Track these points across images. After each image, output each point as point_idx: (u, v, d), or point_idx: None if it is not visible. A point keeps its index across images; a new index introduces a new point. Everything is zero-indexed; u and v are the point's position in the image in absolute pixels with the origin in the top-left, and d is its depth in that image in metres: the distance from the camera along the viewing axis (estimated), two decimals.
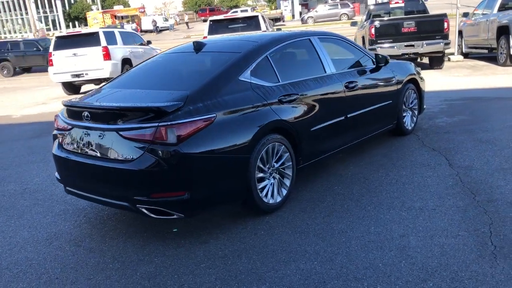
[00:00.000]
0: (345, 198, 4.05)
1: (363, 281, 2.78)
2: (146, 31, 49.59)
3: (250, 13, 13.38)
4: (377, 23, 11.47)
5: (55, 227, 3.94)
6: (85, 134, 3.56)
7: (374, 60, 5.28)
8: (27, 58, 23.04)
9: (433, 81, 10.27)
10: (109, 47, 13.23)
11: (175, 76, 4.12)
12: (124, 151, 3.28)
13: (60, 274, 3.14)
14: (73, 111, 3.66)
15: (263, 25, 12.60)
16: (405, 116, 5.83)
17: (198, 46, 4.26)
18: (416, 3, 13.31)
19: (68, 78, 13.27)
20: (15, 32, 66.24)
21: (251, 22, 12.69)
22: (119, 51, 13.59)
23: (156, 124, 3.17)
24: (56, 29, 59.26)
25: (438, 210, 3.67)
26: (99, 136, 3.44)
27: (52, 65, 13.40)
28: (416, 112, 6.05)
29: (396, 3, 13.15)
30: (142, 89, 3.79)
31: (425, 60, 13.29)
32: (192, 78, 3.83)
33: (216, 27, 12.86)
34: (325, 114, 4.38)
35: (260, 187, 3.71)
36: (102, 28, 14.91)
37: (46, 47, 20.40)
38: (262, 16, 13.02)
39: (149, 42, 16.33)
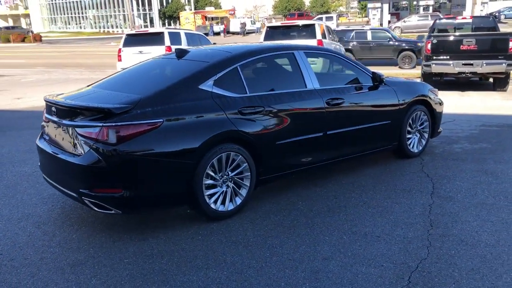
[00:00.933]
0: (300, 215, 4.05)
1: None
2: (233, 33, 51.02)
3: (307, 22, 13.38)
4: (433, 39, 10.97)
5: (32, 209, 4.34)
6: (55, 127, 3.90)
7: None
8: None
9: (483, 103, 9.65)
10: (172, 47, 13.80)
11: (144, 80, 4.34)
12: (78, 146, 3.57)
13: (6, 250, 3.49)
14: (48, 106, 4.02)
15: (318, 34, 12.56)
16: (410, 138, 5.60)
17: (179, 54, 4.46)
18: (486, 20, 12.53)
19: None
20: (117, 27, 71.20)
21: (307, 30, 12.71)
22: None
23: (101, 124, 3.42)
24: (153, 26, 62.81)
25: (382, 238, 3.56)
26: (63, 130, 3.76)
27: (120, 60, 14.09)
28: (426, 135, 5.78)
29: (463, 18, 12.45)
30: (111, 91, 4.06)
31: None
32: (154, 84, 4.03)
33: (272, 33, 13.04)
34: (298, 129, 4.37)
35: (208, 193, 3.82)
36: (169, 28, 15.64)
37: None
38: (326, 26, 12.98)
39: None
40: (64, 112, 3.73)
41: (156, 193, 3.61)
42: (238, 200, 4.05)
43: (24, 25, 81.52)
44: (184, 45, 14.51)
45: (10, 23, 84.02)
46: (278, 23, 13.52)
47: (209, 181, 3.83)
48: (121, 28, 67.84)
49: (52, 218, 4.12)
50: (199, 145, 3.68)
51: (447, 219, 3.89)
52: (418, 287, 2.88)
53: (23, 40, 52.51)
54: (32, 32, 61.18)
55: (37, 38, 53.18)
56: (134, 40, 14.48)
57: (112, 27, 71.32)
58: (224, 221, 3.94)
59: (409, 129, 5.54)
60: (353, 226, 3.79)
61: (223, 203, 3.95)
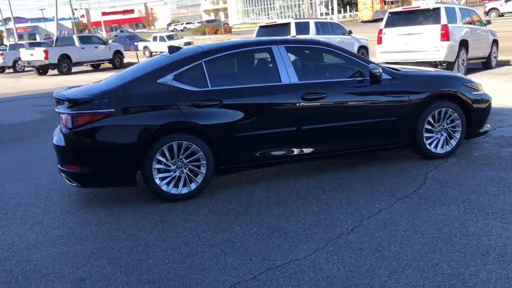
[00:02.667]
0: (257, 207, 4.24)
1: (130, 274, 3.21)
2: None
3: (431, 5, 12.26)
4: None
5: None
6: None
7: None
8: None
9: None
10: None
11: (126, 75, 4.90)
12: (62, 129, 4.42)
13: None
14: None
15: (444, 18, 11.49)
16: (432, 137, 5.11)
17: (171, 51, 4.97)
18: None
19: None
20: (300, 16, 73.70)
21: (431, 15, 11.74)
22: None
23: (66, 112, 4.20)
24: (332, 14, 63.19)
25: (301, 235, 3.57)
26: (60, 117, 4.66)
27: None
28: (458, 135, 5.18)
29: None
30: (102, 85, 4.77)
31: None
32: (125, 78, 4.60)
33: (394, 19, 12.39)
34: (264, 122, 4.51)
35: (159, 176, 4.31)
36: (297, 19, 15.89)
37: None
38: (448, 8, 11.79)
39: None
40: (58, 102, 4.60)
41: (107, 173, 4.25)
42: (193, 186, 4.42)
43: (222, 18, 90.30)
44: (312, 34, 14.73)
45: (212, 17, 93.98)
46: (399, 9, 12.72)
47: (160, 166, 4.29)
48: (303, 17, 69.90)
49: (42, 193, 5.07)
50: (147, 133, 4.17)
51: (389, 228, 3.64)
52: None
53: (215, 32, 58.50)
54: (227, 24, 67.73)
55: (227, 30, 58.62)
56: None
57: (296, 16, 74.01)
58: (174, 206, 4.32)
59: (428, 127, 5.04)
60: (277, 221, 3.85)
61: (176, 186, 4.37)
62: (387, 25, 12.38)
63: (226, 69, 4.68)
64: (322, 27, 15.54)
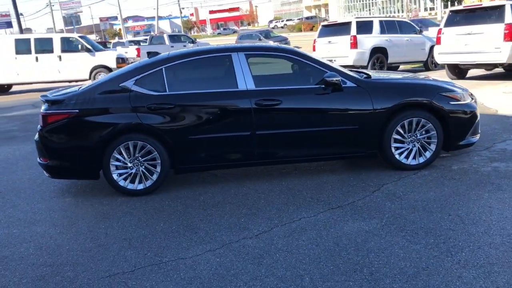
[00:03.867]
0: (189, 210, 4.52)
1: (42, 257, 3.70)
2: None
3: (495, 3, 11.28)
4: None
5: None
6: None
7: (343, 79, 4.82)
8: None
9: None
10: (357, 36, 13.82)
11: (102, 78, 5.36)
12: None
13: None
14: None
15: (509, 16, 10.63)
16: (403, 147, 4.95)
17: (150, 56, 5.36)
18: None
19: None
20: (400, 11, 70.68)
21: (494, 13, 10.91)
22: None
23: (41, 111, 4.81)
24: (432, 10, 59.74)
25: (209, 236, 3.82)
26: None
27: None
28: (433, 146, 4.95)
29: None
30: (82, 87, 5.29)
31: None
32: (98, 81, 5.07)
33: (454, 18, 11.71)
34: (217, 126, 4.73)
35: (117, 172, 4.75)
36: (359, 17, 15.41)
37: None
38: None
39: None
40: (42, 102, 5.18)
41: (72, 166, 4.77)
42: (149, 183, 4.79)
43: (323, 14, 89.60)
44: (375, 34, 14.40)
45: (313, 13, 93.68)
46: (460, 7, 11.90)
47: (117, 163, 4.72)
48: (402, 13, 66.89)
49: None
50: (104, 133, 4.62)
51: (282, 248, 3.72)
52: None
53: (311, 29, 58.37)
54: (326, 20, 67.12)
55: None
56: (327, 30, 15.09)
57: (398, 11, 71.07)
58: (127, 200, 4.72)
59: (397, 137, 4.89)
60: (200, 221, 4.08)
61: (132, 182, 4.78)
62: (447, 24, 11.71)
63: (185, 75, 4.94)
64: (388, 26, 15.00)
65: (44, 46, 16.01)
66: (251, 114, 4.69)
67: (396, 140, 4.89)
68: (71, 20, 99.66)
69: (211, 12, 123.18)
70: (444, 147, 5.06)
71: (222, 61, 4.89)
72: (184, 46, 26.89)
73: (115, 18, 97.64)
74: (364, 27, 14.39)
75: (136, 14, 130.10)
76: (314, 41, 15.38)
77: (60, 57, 15.98)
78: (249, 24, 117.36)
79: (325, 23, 16.03)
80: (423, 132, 4.90)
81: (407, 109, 4.84)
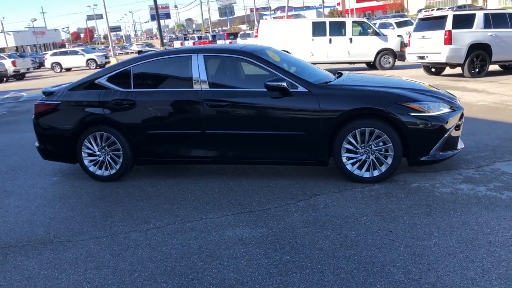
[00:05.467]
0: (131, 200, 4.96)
1: None
2: None
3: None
4: None
5: None
6: None
7: (294, 84, 4.75)
8: None
9: None
10: (452, 31, 12.73)
11: None
12: None
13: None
14: None
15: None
16: (356, 158, 4.73)
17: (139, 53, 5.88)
18: None
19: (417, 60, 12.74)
20: None
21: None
22: None
23: (36, 102, 5.65)
24: None
25: (114, 224, 4.25)
26: None
27: (409, 45, 13.63)
28: (389, 160, 4.62)
29: None
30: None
31: None
32: (84, 77, 5.70)
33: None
34: (170, 124, 5.02)
35: (88, 159, 5.37)
36: (459, 10, 13.84)
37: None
38: None
39: None
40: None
41: (56, 151, 5.50)
42: (113, 171, 5.32)
43: (480, 3, 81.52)
44: (477, 28, 13.16)
45: (467, 1, 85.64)
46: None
47: (88, 151, 5.33)
48: None
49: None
50: (75, 122, 5.25)
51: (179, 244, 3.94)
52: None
53: None
54: (482, 9, 61.06)
55: None
56: (424, 24, 14.14)
57: None
58: (92, 184, 5.33)
59: (349, 147, 4.68)
60: (134, 209, 4.49)
61: (100, 168, 5.36)
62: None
63: (150, 74, 5.27)
64: (496, 20, 13.40)
65: (337, 29, 17.00)
66: (201, 113, 4.87)
67: (348, 150, 4.64)
68: (225, 11, 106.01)
69: (359, 1, 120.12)
70: (408, 162, 4.65)
71: (183, 62, 5.13)
72: None
73: (266, 9, 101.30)
74: (464, 21, 13.09)
75: (285, 5, 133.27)
76: (410, 35, 14.46)
77: (351, 40, 16.91)
78: (398, 12, 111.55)
79: (422, 16, 14.89)
80: (380, 144, 4.57)
81: (359, 118, 4.56)
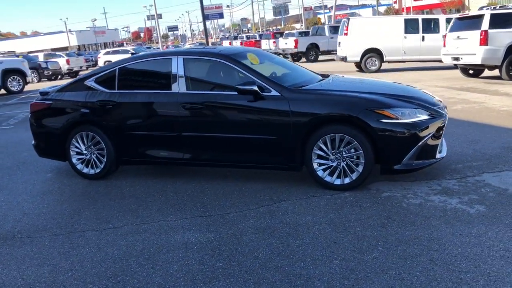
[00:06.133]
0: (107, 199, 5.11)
1: None
2: None
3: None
4: None
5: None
6: None
7: (267, 87, 4.69)
8: None
9: None
10: (488, 31, 12.12)
11: None
12: None
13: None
14: None
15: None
16: (325, 165, 4.60)
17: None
18: None
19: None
20: None
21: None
22: None
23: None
24: None
25: (76, 223, 4.41)
26: None
27: (444, 45, 13.23)
28: (360, 168, 4.46)
29: None
30: None
31: None
32: (76, 78, 5.89)
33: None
34: (148, 125, 5.10)
35: (76, 158, 5.56)
36: (497, 9, 12.98)
37: None
38: None
39: None
40: None
41: (47, 148, 5.75)
42: (98, 169, 5.49)
43: None
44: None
45: None
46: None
47: (76, 149, 5.53)
48: None
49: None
50: (64, 122, 5.47)
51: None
52: None
53: None
54: None
55: None
56: (460, 24, 13.57)
57: None
58: (81, 181, 5.53)
59: (319, 153, 4.57)
60: (104, 206, 4.63)
61: (87, 167, 5.55)
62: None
63: (133, 76, 5.36)
64: None
65: (431, 26, 16.54)
66: (177, 116, 4.92)
67: (319, 156, 4.54)
68: (280, 10, 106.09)
69: None
70: (380, 171, 4.49)
71: (164, 64, 5.18)
72: None
73: (320, 7, 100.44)
74: (502, 20, 12.40)
75: (342, 3, 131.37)
76: (445, 35, 13.88)
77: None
78: (458, 11, 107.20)
79: (459, 15, 14.23)
80: (352, 151, 4.43)
81: (330, 124, 4.44)
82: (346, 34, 16.86)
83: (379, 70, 16.39)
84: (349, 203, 4.21)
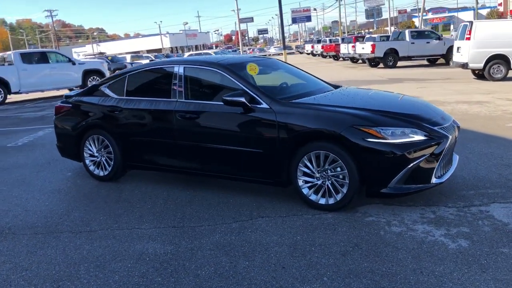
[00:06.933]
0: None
1: None
2: None
3: None
4: None
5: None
6: None
7: (258, 99, 4.59)
8: None
9: None
10: None
11: None
12: None
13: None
14: None
15: None
16: (311, 183, 4.40)
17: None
18: None
19: None
20: None
21: None
22: None
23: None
24: None
25: (61, 223, 4.65)
26: None
27: None
28: (344, 189, 4.21)
29: None
30: None
31: None
32: (96, 83, 6.16)
33: None
34: (149, 132, 5.22)
35: (89, 159, 5.86)
36: None
37: None
38: None
39: None
40: None
41: (66, 148, 6.11)
42: (106, 172, 5.72)
43: None
44: None
45: None
46: None
47: (89, 151, 5.83)
48: None
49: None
50: (80, 125, 5.77)
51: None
52: None
53: None
54: None
55: None
56: None
57: None
58: (90, 182, 5.80)
59: (305, 170, 4.40)
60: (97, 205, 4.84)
61: (98, 168, 5.81)
62: None
63: (140, 84, 5.48)
64: None
65: None
66: (174, 124, 4.98)
67: (305, 173, 4.36)
68: (373, 13, 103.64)
69: None
70: (366, 193, 4.20)
71: (167, 73, 5.27)
72: (427, 43, 25.37)
73: (416, 10, 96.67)
74: None
75: (439, 6, 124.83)
76: None
77: None
78: None
79: None
80: (338, 169, 4.20)
81: (315, 140, 4.24)
82: (468, 38, 15.37)
83: (505, 78, 15.06)
84: (325, 225, 3.97)
